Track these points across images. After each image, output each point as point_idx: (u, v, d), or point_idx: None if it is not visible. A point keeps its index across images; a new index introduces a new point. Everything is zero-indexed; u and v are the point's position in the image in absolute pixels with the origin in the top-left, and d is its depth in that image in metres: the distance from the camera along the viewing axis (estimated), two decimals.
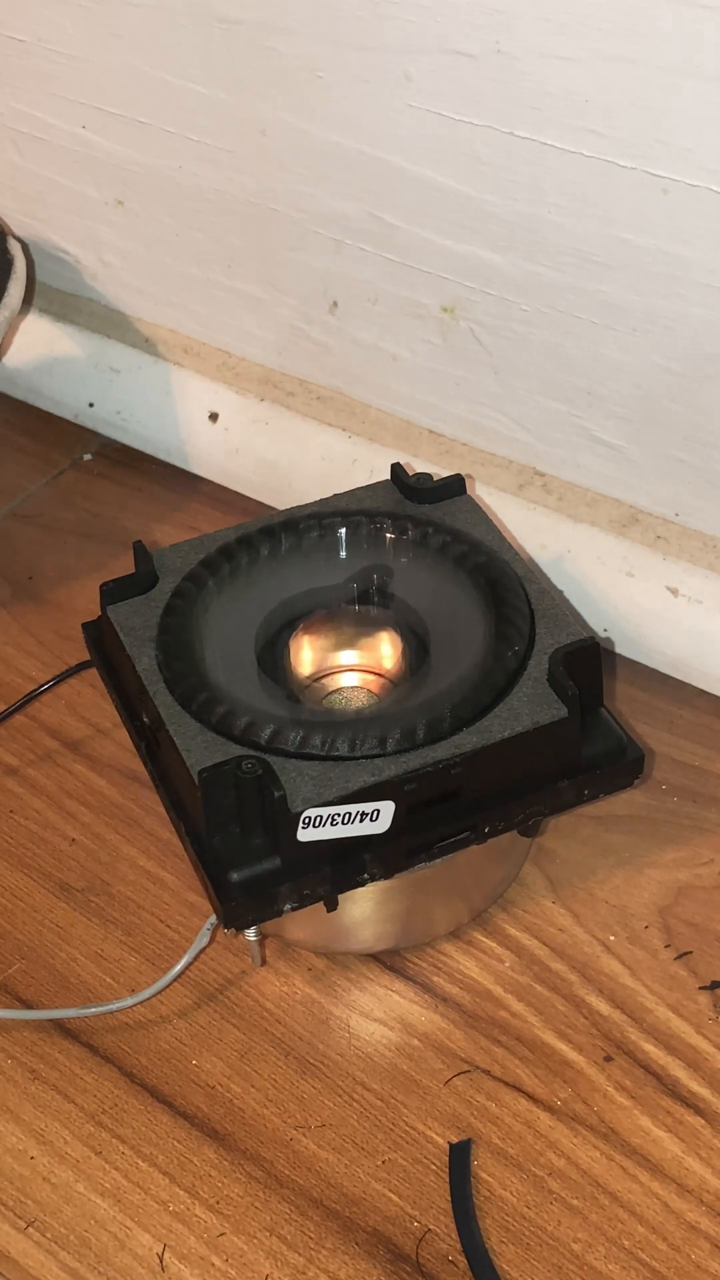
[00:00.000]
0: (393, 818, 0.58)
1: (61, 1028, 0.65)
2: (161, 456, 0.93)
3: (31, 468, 0.94)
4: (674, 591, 0.75)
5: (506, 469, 0.80)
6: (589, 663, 0.61)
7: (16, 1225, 0.59)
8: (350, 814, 0.57)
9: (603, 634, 0.77)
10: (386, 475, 0.72)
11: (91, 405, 0.94)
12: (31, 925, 0.69)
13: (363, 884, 0.60)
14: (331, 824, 0.57)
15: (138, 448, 0.94)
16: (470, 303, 0.75)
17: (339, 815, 0.57)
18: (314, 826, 0.57)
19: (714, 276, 0.65)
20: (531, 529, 0.78)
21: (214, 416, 0.89)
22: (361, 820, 0.58)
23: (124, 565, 0.69)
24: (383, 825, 0.58)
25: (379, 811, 0.58)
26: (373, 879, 0.60)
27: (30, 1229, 0.59)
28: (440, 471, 0.75)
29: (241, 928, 0.59)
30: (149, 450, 0.93)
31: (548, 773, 0.61)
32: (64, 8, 0.81)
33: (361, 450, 0.84)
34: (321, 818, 0.57)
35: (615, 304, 0.69)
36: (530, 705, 0.60)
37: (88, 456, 0.95)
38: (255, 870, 0.57)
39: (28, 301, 0.97)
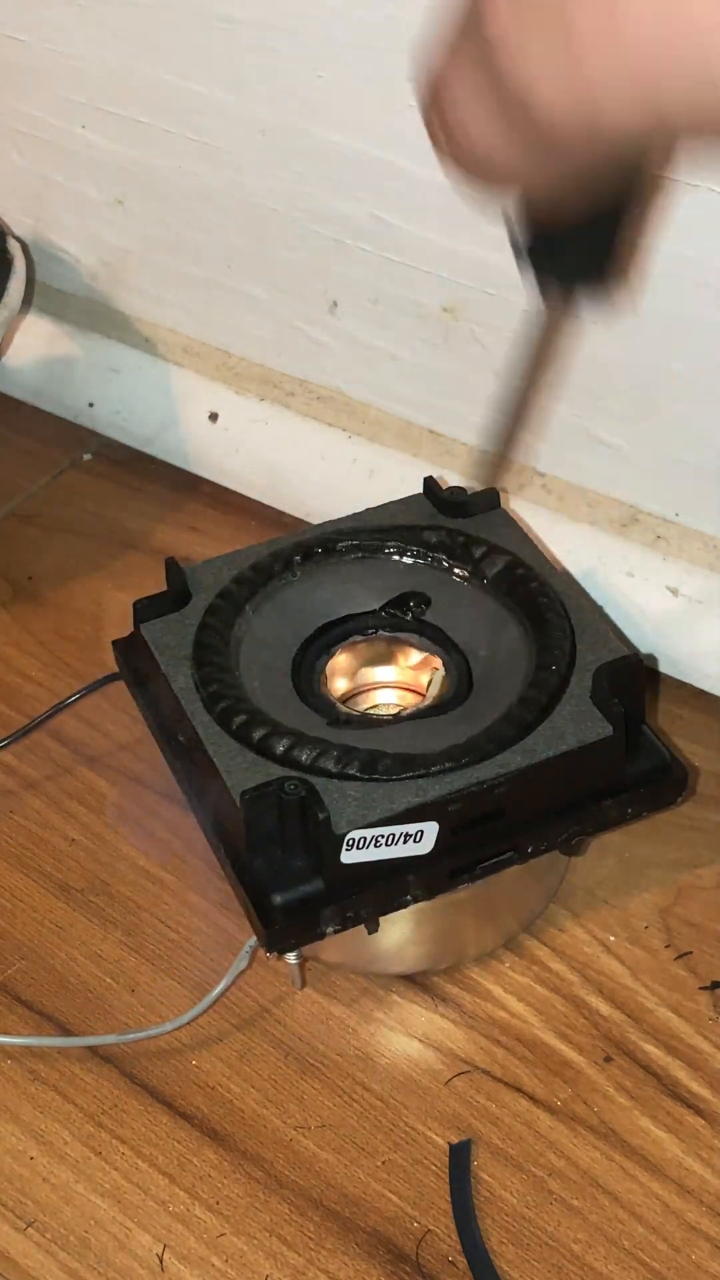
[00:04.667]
0: (436, 838, 0.58)
1: (62, 1028, 0.65)
2: (161, 456, 0.93)
3: (31, 468, 0.95)
4: (674, 591, 0.75)
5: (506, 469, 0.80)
6: (631, 679, 0.60)
7: (16, 1225, 0.59)
8: (394, 835, 0.57)
9: None
10: (386, 476, 0.72)
11: (91, 405, 0.94)
12: (31, 925, 0.69)
13: (405, 905, 0.59)
14: (375, 846, 0.56)
15: (138, 448, 0.94)
16: (470, 303, 0.75)
17: (383, 837, 0.56)
18: (358, 848, 0.56)
19: (714, 276, 0.65)
20: (531, 529, 0.78)
21: (214, 416, 0.89)
22: (405, 841, 0.57)
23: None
24: (426, 846, 0.57)
25: (423, 833, 0.57)
26: (415, 900, 0.59)
27: (30, 1229, 0.59)
28: (441, 472, 0.75)
29: (284, 951, 0.58)
30: (149, 450, 0.93)
31: (592, 791, 0.60)
32: (64, 8, 0.81)
33: (361, 450, 0.84)
34: (365, 839, 0.56)
35: (615, 304, 0.69)
36: (574, 724, 0.59)
37: (88, 456, 0.95)
38: (298, 893, 0.57)
39: (28, 301, 0.96)
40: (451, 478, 0.79)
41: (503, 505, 0.70)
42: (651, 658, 0.76)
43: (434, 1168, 0.59)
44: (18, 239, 0.90)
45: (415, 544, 0.68)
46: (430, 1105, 0.61)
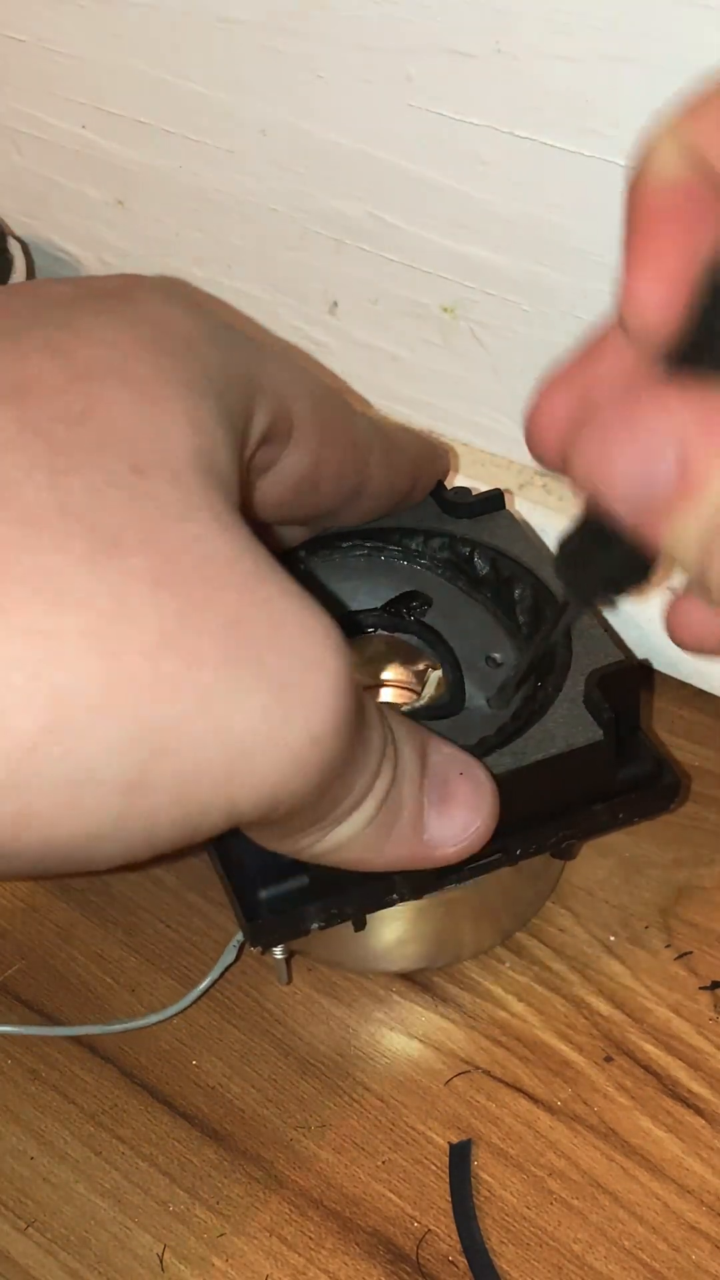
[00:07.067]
0: None
1: (62, 1028, 0.65)
2: None
3: None
4: (674, 592, 0.74)
5: (506, 469, 0.80)
6: (627, 685, 0.60)
7: (16, 1225, 0.59)
8: None
9: None
10: None
11: None
12: (31, 925, 0.69)
13: (391, 904, 0.59)
14: None
15: None
16: (470, 303, 0.75)
17: None
18: None
19: None
20: (533, 530, 0.78)
21: None
22: None
23: None
24: None
25: None
26: (401, 900, 0.59)
27: (30, 1229, 0.59)
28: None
29: (269, 946, 0.58)
30: None
31: (582, 795, 0.60)
32: (64, 8, 0.81)
33: None
34: None
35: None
36: (565, 727, 0.59)
37: None
38: (283, 888, 0.57)
39: None
40: (452, 478, 0.79)
41: (508, 507, 0.70)
42: (650, 659, 0.76)
43: (434, 1168, 0.60)
44: (18, 239, 0.90)
45: (418, 544, 0.68)
46: (430, 1105, 0.61)
